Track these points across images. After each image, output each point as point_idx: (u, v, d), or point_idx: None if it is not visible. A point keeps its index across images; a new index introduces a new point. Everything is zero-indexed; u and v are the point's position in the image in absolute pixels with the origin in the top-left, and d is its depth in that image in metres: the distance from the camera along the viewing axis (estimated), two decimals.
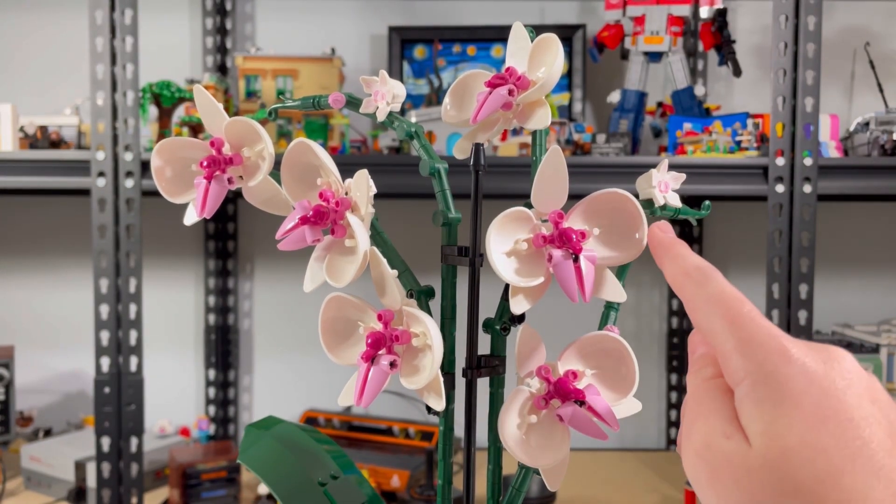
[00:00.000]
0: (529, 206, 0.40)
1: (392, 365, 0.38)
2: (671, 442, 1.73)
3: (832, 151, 1.35)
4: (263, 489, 1.37)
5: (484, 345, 0.43)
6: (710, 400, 0.30)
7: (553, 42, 0.42)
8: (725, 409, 0.29)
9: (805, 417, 0.27)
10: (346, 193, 0.41)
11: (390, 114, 0.46)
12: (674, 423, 1.73)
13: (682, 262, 0.33)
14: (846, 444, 0.26)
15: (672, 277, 0.33)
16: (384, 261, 0.39)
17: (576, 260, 0.37)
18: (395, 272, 0.39)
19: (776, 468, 0.26)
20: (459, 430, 0.40)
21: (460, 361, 0.43)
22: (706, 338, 0.31)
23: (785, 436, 0.27)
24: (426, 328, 0.38)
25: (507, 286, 0.41)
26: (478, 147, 0.42)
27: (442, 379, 0.39)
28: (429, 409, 0.40)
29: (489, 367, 0.42)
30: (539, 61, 0.43)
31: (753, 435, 0.27)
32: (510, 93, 0.42)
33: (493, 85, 0.43)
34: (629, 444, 1.73)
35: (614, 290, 0.39)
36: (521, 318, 0.42)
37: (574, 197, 0.40)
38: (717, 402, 0.30)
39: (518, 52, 0.45)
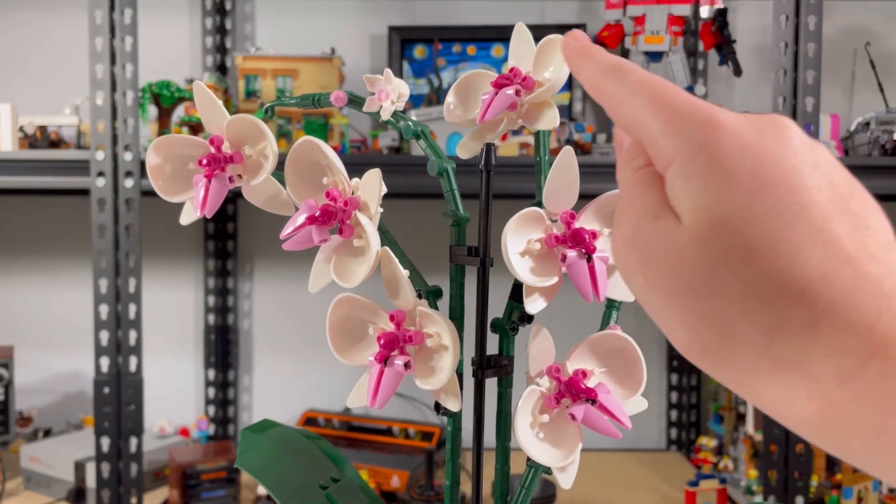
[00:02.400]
0: (539, 205, 0.40)
1: (406, 366, 0.38)
2: (671, 442, 1.74)
3: (832, 151, 1.35)
4: (263, 489, 1.37)
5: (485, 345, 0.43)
6: (640, 188, 0.28)
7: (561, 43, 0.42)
8: (655, 193, 0.27)
9: (738, 187, 0.24)
10: (353, 193, 0.41)
11: (395, 113, 0.46)
12: (674, 423, 1.73)
13: (599, 62, 0.30)
14: (782, 211, 0.24)
15: (589, 80, 0.30)
16: (397, 261, 0.39)
17: (589, 260, 0.37)
18: (407, 272, 0.39)
19: (705, 240, 0.24)
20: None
21: (466, 361, 0.43)
22: (633, 133, 0.28)
23: (715, 207, 0.24)
24: (443, 329, 0.38)
25: (514, 286, 0.41)
26: (489, 147, 0.42)
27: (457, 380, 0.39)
28: (437, 410, 0.40)
29: (498, 366, 0.42)
30: (545, 62, 0.43)
31: (684, 212, 0.25)
32: (517, 93, 0.42)
33: (498, 85, 0.43)
34: (629, 444, 1.73)
35: (623, 290, 0.39)
36: (529, 318, 0.42)
37: None
38: (647, 188, 0.27)
39: (521, 53, 0.45)
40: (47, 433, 1.59)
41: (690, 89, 1.39)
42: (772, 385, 0.24)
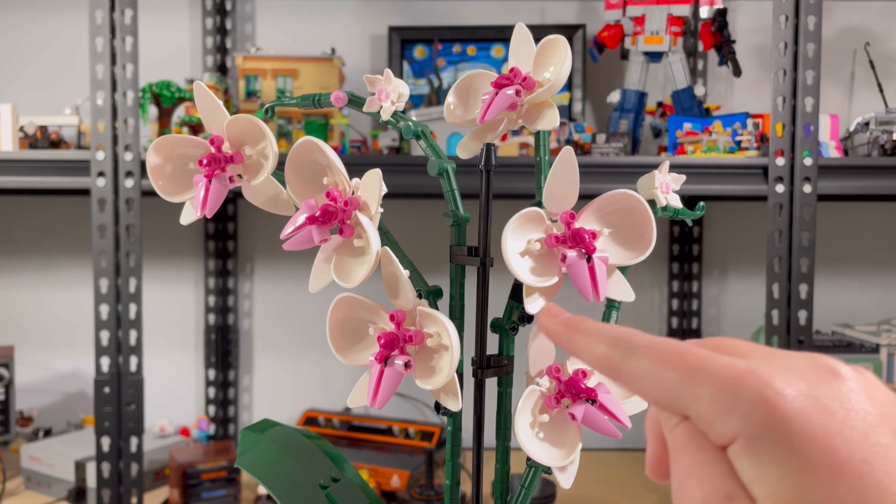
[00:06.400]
0: (539, 205, 0.40)
1: (406, 366, 0.38)
2: None
3: (832, 151, 1.35)
4: (263, 489, 1.37)
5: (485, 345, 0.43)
6: (697, 449, 0.25)
7: (561, 44, 0.42)
8: (720, 462, 0.24)
9: (816, 472, 0.22)
10: (353, 193, 0.41)
11: (395, 113, 0.46)
12: None
13: (598, 337, 0.27)
14: (867, 496, 0.22)
15: (595, 360, 0.28)
16: (397, 261, 0.39)
17: (589, 260, 0.37)
18: (407, 272, 0.39)
19: None
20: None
21: (467, 361, 0.43)
22: (669, 408, 0.26)
23: (798, 501, 0.22)
24: (444, 329, 0.38)
25: (514, 286, 0.41)
26: (489, 147, 0.42)
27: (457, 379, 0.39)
28: (437, 410, 0.40)
29: (498, 366, 0.42)
30: (545, 62, 0.43)
31: (761, 499, 0.23)
32: (517, 93, 0.42)
33: (499, 85, 0.43)
34: (629, 444, 1.73)
35: (623, 290, 0.39)
36: (529, 318, 0.42)
37: None
38: (708, 452, 0.25)
39: (521, 53, 0.45)
40: (48, 433, 1.59)
41: (690, 89, 1.39)
42: None
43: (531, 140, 1.37)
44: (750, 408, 0.23)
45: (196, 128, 1.35)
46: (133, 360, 1.24)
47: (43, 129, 1.36)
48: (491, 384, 0.43)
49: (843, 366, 0.24)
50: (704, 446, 0.25)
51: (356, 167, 0.42)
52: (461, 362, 0.43)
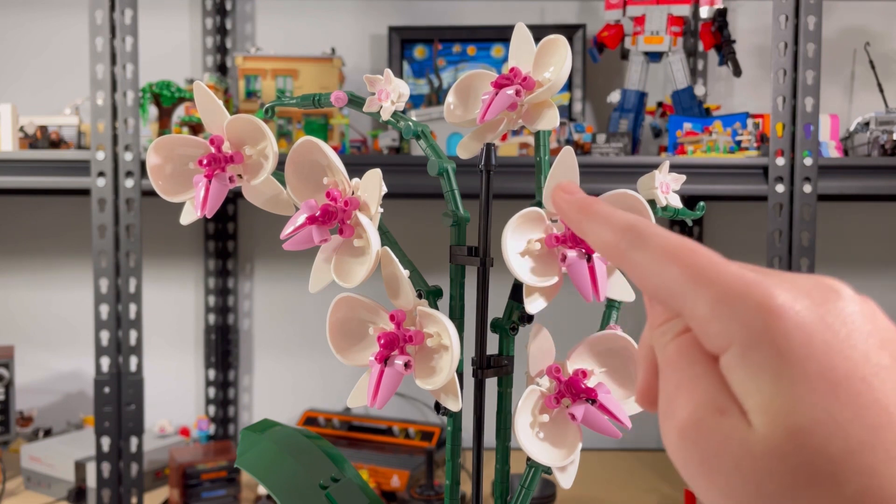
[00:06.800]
0: (539, 206, 0.40)
1: (406, 366, 0.38)
2: None
3: (832, 151, 1.35)
4: (263, 489, 1.37)
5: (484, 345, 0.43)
6: (689, 364, 0.24)
7: (561, 44, 0.42)
8: (712, 376, 0.24)
9: (813, 387, 0.22)
10: (353, 193, 0.41)
11: (395, 113, 0.46)
12: None
13: (608, 223, 0.27)
14: (864, 414, 0.21)
15: (601, 245, 0.27)
16: (397, 261, 0.39)
17: (589, 260, 0.37)
18: (407, 272, 0.39)
19: (787, 454, 0.21)
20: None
21: (467, 361, 0.43)
22: (667, 303, 0.25)
23: (792, 413, 0.22)
24: (444, 329, 0.38)
25: (514, 286, 0.41)
26: (489, 147, 0.42)
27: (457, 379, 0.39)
28: (437, 410, 0.40)
29: (498, 366, 0.42)
30: (545, 62, 0.43)
31: (753, 411, 0.22)
32: (517, 93, 0.42)
33: (499, 85, 0.43)
34: (629, 444, 1.73)
35: (623, 290, 0.39)
36: (529, 318, 0.42)
37: None
38: (700, 367, 0.24)
39: (521, 53, 0.45)
40: (48, 433, 1.59)
41: (690, 89, 1.39)
42: None
43: (531, 140, 1.37)
44: (752, 316, 0.23)
45: (196, 128, 1.35)
46: (133, 360, 1.24)
47: (43, 129, 1.36)
48: (491, 384, 0.43)
49: (848, 288, 0.24)
50: (697, 361, 0.24)
51: (356, 167, 0.42)
52: (461, 362, 0.43)
